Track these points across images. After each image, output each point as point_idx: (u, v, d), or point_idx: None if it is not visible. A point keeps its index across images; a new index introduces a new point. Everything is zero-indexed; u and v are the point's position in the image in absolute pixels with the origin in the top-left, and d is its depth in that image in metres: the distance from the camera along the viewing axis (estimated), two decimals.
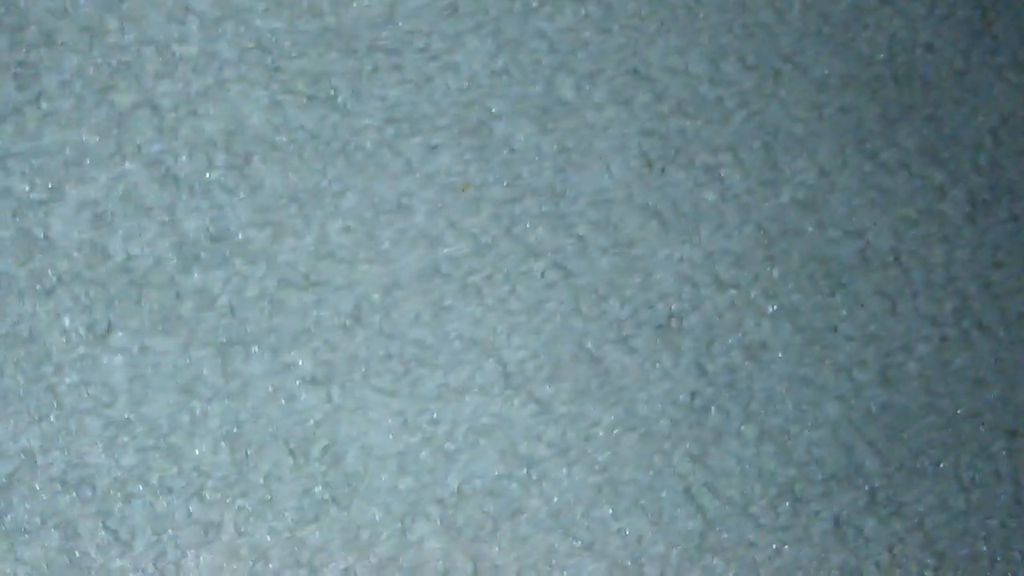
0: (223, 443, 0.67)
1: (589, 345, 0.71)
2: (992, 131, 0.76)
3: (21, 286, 0.68)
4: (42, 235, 0.69)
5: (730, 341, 0.72)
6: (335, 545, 0.67)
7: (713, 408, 0.71)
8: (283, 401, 0.68)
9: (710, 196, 0.73)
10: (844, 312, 0.73)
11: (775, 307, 0.72)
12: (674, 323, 0.72)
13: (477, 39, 0.73)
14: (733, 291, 0.72)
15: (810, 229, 0.74)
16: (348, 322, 0.70)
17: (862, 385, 0.72)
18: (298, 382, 0.68)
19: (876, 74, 0.76)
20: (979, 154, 0.75)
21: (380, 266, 0.70)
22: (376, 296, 0.70)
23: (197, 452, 0.67)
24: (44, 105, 0.70)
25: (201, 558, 0.66)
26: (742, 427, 0.71)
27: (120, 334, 0.68)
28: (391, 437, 0.68)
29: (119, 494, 0.66)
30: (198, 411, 0.67)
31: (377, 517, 0.67)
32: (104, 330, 0.68)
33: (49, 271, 0.68)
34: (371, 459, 0.68)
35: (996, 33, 0.76)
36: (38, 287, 0.68)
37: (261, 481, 0.67)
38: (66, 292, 0.68)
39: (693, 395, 0.71)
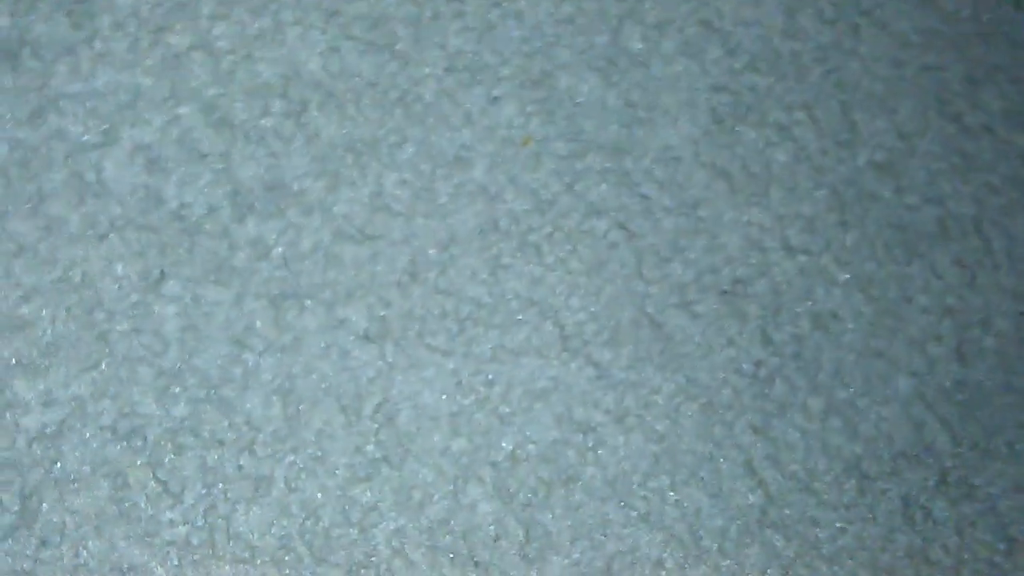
0: (275, 397, 0.69)
1: (650, 309, 0.72)
2: None
3: (74, 231, 0.70)
4: (95, 179, 0.70)
5: (798, 310, 0.72)
6: (386, 505, 0.68)
7: (778, 379, 0.71)
8: (336, 357, 0.70)
9: (782, 157, 0.74)
10: (920, 282, 0.73)
11: (847, 275, 0.73)
12: (740, 289, 0.72)
13: None
14: (803, 257, 0.73)
15: (887, 194, 0.74)
16: (403, 278, 0.71)
17: (936, 360, 0.72)
18: (352, 338, 0.70)
19: (961, 31, 0.75)
20: None
21: (437, 221, 0.72)
22: (432, 252, 0.71)
23: (249, 405, 0.69)
24: (98, 45, 0.72)
25: (251, 512, 0.68)
26: (808, 399, 0.72)
27: (172, 282, 0.70)
28: (445, 397, 0.70)
29: (170, 445, 0.68)
30: (250, 364, 0.69)
31: (429, 478, 0.69)
32: (157, 278, 0.70)
33: (102, 216, 0.70)
34: (424, 419, 0.69)
35: None
36: (91, 232, 0.70)
37: (313, 437, 0.69)
38: (119, 238, 0.70)
39: (758, 364, 0.71)
